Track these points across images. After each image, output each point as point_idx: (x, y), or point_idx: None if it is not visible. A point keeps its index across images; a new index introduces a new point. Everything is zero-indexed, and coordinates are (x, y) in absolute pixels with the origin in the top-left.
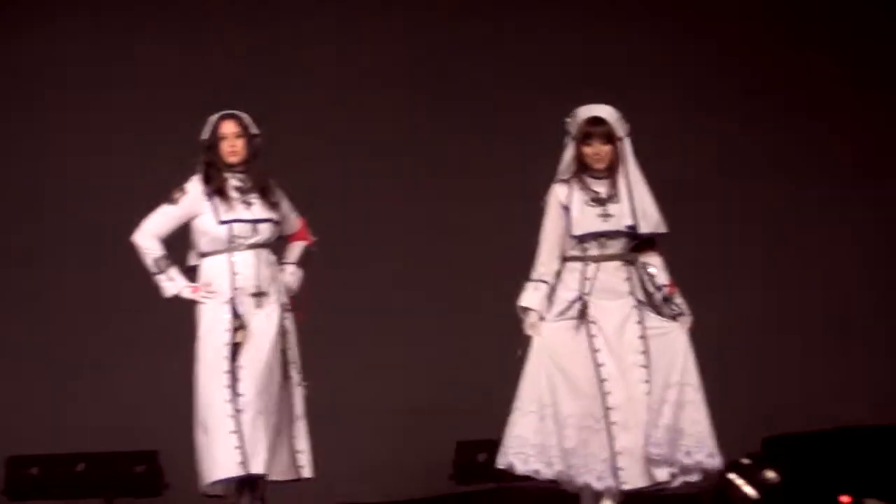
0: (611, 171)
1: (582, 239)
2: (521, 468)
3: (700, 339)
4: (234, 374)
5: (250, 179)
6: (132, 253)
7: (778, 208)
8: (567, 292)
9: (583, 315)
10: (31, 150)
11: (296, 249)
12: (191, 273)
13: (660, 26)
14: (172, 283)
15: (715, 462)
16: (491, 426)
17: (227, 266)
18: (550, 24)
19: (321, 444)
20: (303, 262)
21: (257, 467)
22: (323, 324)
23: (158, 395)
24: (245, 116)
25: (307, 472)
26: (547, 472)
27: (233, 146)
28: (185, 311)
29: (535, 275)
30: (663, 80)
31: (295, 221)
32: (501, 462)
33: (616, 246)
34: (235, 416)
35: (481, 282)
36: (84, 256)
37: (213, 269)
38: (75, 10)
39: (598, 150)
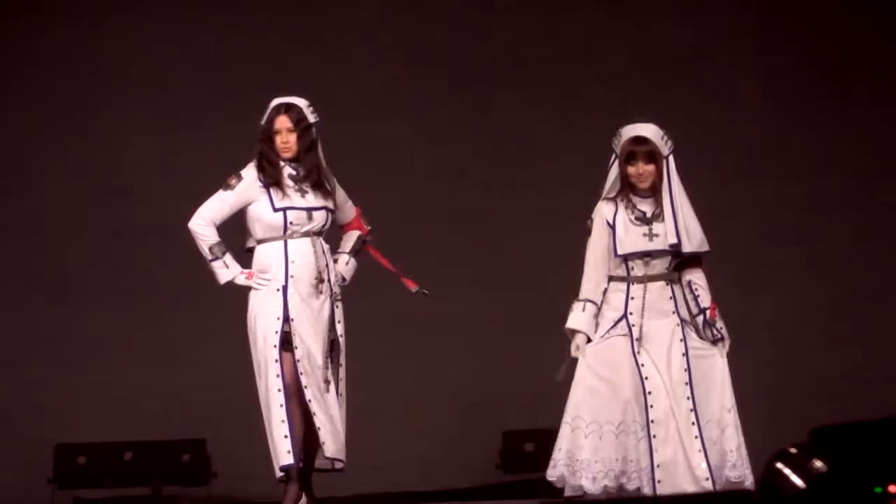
0: (655, 191)
1: (627, 258)
2: (570, 481)
3: (749, 329)
4: (283, 362)
5: (304, 169)
6: (177, 243)
7: (815, 203)
8: (612, 312)
9: (628, 333)
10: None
11: (350, 239)
12: (248, 256)
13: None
14: (227, 270)
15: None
16: (537, 416)
17: (282, 253)
18: (595, 13)
19: (368, 434)
20: (356, 252)
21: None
22: (368, 313)
23: (206, 383)
24: (302, 107)
25: (339, 465)
26: (592, 489)
27: (286, 142)
28: (233, 298)
29: (582, 294)
30: (695, 71)
31: (350, 211)
32: (553, 474)
33: (660, 265)
34: (286, 404)
35: (528, 271)
36: (129, 246)
37: (268, 255)
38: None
39: (641, 171)
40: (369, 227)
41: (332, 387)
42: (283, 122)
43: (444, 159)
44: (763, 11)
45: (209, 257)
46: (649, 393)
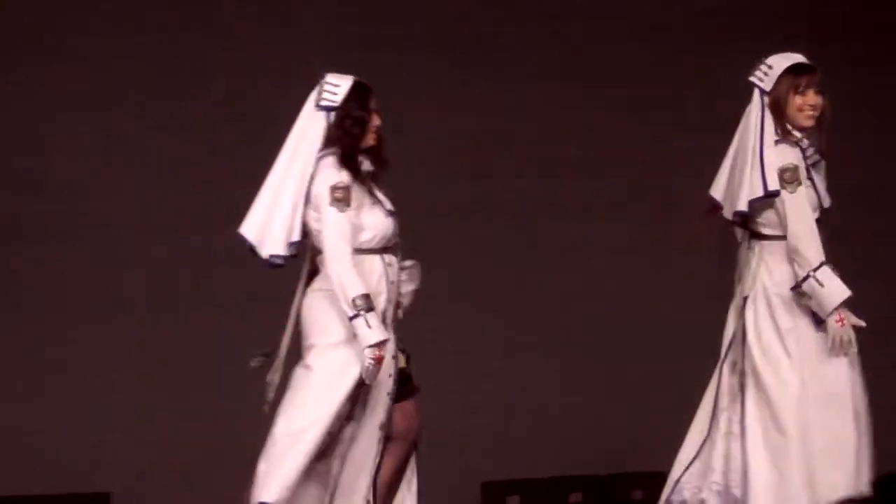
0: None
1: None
2: None
3: None
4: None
5: (377, 163)
6: (88, 244)
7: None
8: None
9: None
10: None
11: None
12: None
13: None
14: (370, 332)
15: None
16: (524, 463)
17: (382, 271)
18: None
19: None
20: None
21: None
22: None
23: (111, 428)
24: None
25: None
26: None
27: (378, 127)
28: (151, 316)
29: (822, 256)
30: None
31: None
32: None
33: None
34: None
35: (522, 273)
36: (28, 248)
37: (366, 270)
38: None
39: (814, 101)
40: None
41: None
42: (377, 103)
43: (419, 140)
44: None
45: (351, 312)
46: None
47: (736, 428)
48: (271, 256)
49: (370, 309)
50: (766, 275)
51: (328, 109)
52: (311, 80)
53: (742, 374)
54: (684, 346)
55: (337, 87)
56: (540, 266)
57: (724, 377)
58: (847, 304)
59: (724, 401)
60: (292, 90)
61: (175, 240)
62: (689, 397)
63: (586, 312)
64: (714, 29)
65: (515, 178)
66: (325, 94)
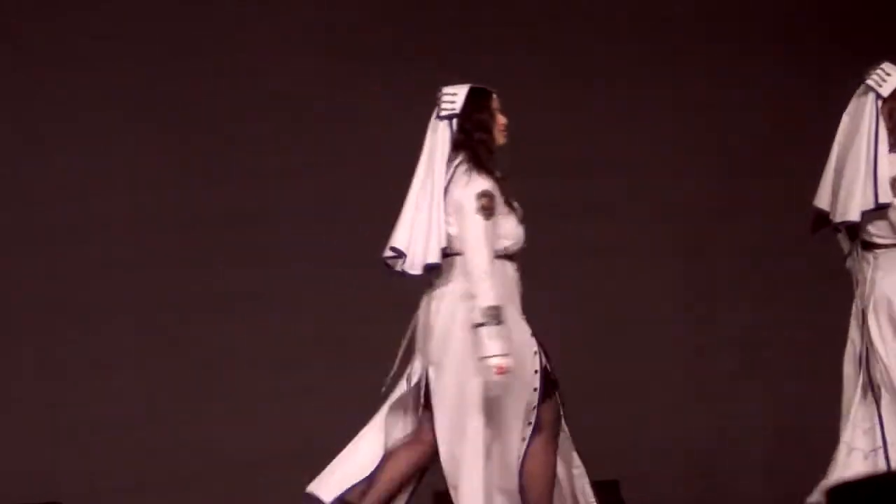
0: None
1: None
2: None
3: None
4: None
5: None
6: (68, 249)
7: None
8: None
9: None
10: None
11: None
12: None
13: None
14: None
15: None
16: None
17: (516, 277)
18: None
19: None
20: None
21: None
22: (281, 332)
23: (61, 432)
24: None
25: None
26: None
27: (506, 126)
28: (90, 331)
29: None
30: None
31: None
32: None
33: None
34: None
35: None
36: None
37: (502, 275)
38: None
39: None
40: None
41: None
42: (498, 103)
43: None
44: None
45: (481, 319)
46: None
47: (878, 442)
48: (426, 266)
49: (499, 322)
50: (884, 282)
51: (450, 118)
52: (310, 82)
53: (877, 389)
54: (682, 348)
55: (454, 95)
56: (540, 266)
57: (858, 394)
58: None
59: (869, 421)
60: (292, 92)
61: (175, 240)
62: (683, 399)
63: (586, 312)
64: (714, 29)
65: (515, 178)
66: (443, 104)
